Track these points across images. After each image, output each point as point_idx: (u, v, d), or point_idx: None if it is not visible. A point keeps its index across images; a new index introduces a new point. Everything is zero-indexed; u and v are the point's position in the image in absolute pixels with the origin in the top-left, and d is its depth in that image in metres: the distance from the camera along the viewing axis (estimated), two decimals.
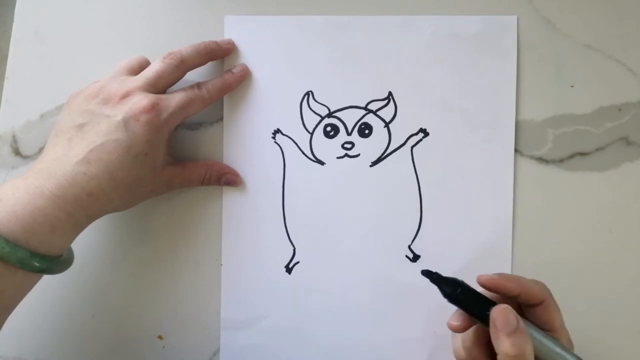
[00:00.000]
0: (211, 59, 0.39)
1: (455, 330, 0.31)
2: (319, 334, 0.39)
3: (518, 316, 0.28)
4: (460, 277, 0.38)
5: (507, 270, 0.38)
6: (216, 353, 0.39)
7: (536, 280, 0.32)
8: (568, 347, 0.30)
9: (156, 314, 0.40)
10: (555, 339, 0.30)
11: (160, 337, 0.39)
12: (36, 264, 0.30)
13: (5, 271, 0.30)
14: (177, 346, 0.39)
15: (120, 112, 0.33)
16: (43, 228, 0.30)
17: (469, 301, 0.30)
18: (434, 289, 0.38)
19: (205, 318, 0.39)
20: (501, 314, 0.28)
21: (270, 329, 0.39)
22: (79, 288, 0.40)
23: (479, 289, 0.31)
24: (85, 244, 0.39)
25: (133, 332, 0.40)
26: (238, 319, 0.39)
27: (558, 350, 0.29)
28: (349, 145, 0.39)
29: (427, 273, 0.32)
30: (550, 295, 0.31)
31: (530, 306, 0.31)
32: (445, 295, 0.31)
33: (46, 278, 0.33)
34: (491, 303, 0.30)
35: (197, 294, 0.39)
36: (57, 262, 0.32)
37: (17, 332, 0.39)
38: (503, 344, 0.28)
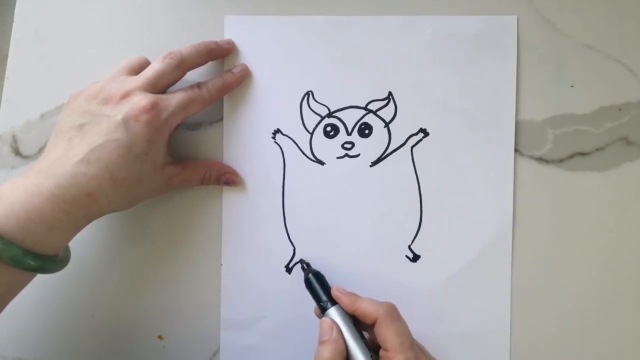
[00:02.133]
0: (211, 59, 0.39)
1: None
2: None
3: (336, 329, 0.32)
4: (460, 277, 0.39)
5: (507, 270, 0.38)
6: (216, 353, 0.39)
7: (380, 302, 0.32)
8: None
9: (156, 314, 0.40)
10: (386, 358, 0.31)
11: (160, 337, 0.39)
12: (30, 262, 0.30)
13: None
14: (177, 346, 0.39)
15: (120, 112, 0.33)
16: (40, 227, 0.30)
17: (313, 291, 0.35)
18: (434, 289, 0.39)
19: (205, 318, 0.39)
20: (321, 324, 0.33)
21: (270, 329, 0.39)
22: (78, 288, 0.40)
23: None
24: (86, 243, 0.39)
25: (133, 332, 0.40)
26: (238, 319, 0.39)
27: None
28: (349, 145, 0.39)
29: (301, 261, 0.38)
30: (387, 315, 0.31)
31: (369, 325, 0.32)
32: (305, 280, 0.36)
33: (47, 278, 0.33)
34: (334, 303, 0.34)
35: (197, 294, 0.39)
36: (52, 261, 0.32)
37: (17, 332, 0.39)
38: (317, 349, 0.32)
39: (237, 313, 0.39)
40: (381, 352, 0.31)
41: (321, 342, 0.32)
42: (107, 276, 0.40)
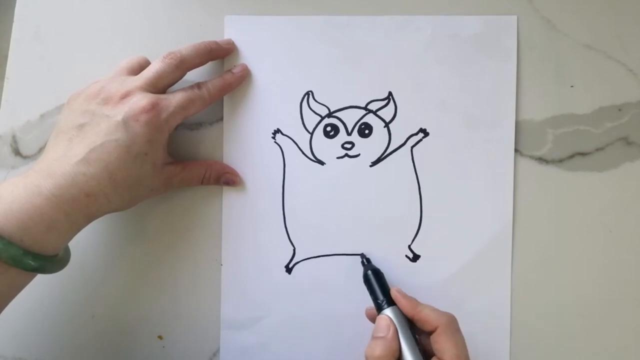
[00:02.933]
0: (211, 59, 0.39)
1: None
2: (318, 333, 0.39)
3: (393, 328, 0.32)
4: (460, 277, 0.39)
5: (507, 269, 0.38)
6: (216, 353, 0.39)
7: (441, 311, 0.32)
8: None
9: (156, 314, 0.40)
10: None
11: (160, 337, 0.39)
12: (30, 262, 0.30)
13: None
14: (177, 346, 0.39)
15: (120, 112, 0.33)
16: (39, 227, 0.30)
17: (371, 288, 0.35)
18: (434, 288, 0.38)
19: (205, 318, 0.39)
20: (379, 320, 0.33)
21: (270, 329, 0.39)
22: (79, 288, 0.40)
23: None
24: (86, 244, 0.39)
25: (133, 332, 0.40)
26: (238, 319, 0.39)
27: None
28: (349, 145, 0.39)
29: (362, 255, 0.38)
30: (449, 326, 0.31)
31: (427, 332, 0.32)
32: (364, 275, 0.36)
33: (47, 278, 0.33)
34: (391, 304, 0.33)
35: (197, 294, 0.39)
36: (52, 261, 0.32)
37: (17, 332, 0.39)
38: (370, 343, 0.32)
39: (237, 313, 0.39)
40: None
41: (375, 338, 0.31)
42: (107, 276, 0.40)
